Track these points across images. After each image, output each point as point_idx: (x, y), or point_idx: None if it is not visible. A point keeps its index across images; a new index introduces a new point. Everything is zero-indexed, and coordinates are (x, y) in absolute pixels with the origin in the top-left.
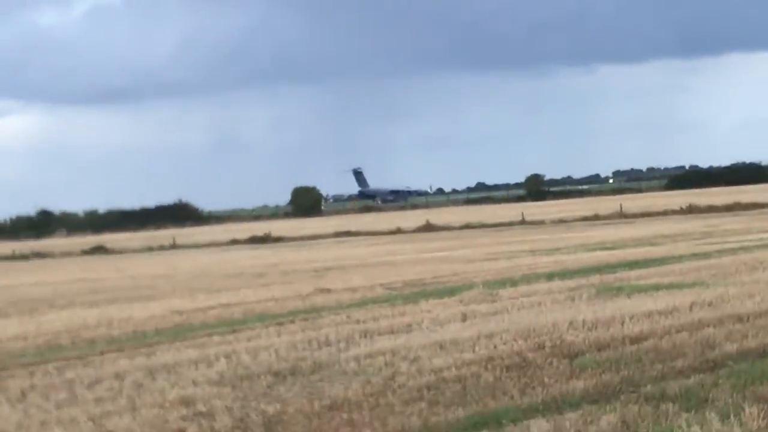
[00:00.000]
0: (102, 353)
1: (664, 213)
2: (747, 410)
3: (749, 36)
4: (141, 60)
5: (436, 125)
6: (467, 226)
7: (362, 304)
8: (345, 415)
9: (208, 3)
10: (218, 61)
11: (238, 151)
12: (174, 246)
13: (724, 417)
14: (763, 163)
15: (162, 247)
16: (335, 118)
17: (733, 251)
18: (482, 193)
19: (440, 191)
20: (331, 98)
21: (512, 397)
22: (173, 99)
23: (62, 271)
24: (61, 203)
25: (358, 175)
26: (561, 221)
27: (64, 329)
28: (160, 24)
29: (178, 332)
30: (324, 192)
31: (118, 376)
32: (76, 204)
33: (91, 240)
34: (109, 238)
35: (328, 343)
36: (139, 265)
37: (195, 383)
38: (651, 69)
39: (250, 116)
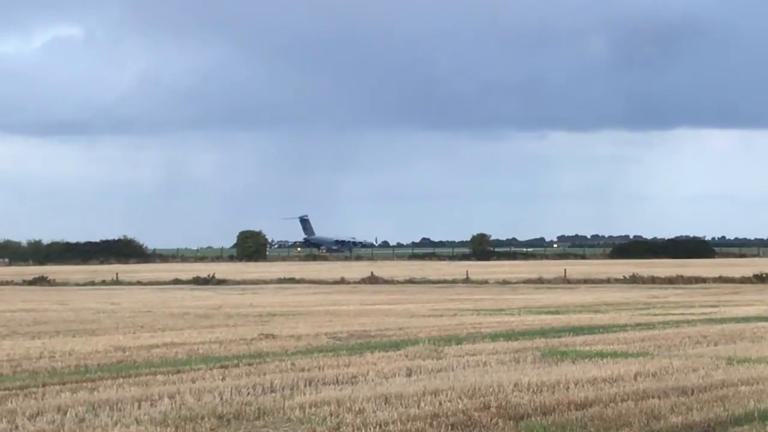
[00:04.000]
0: (44, 385)
1: (608, 281)
2: None
3: (696, 112)
4: (97, 94)
5: (385, 178)
6: (411, 281)
7: (307, 352)
8: None
9: (168, 42)
10: (173, 101)
11: (186, 191)
12: (117, 282)
13: None
14: (707, 238)
15: (104, 282)
16: (285, 165)
17: (676, 324)
18: (427, 249)
19: (385, 244)
20: (282, 144)
21: None
22: (126, 136)
23: (3, 300)
24: (4, 232)
25: (304, 222)
26: (505, 282)
27: (6, 359)
28: (119, 60)
29: (121, 369)
30: (269, 237)
31: (60, 410)
32: (20, 234)
33: (33, 270)
34: (51, 270)
35: (272, 390)
36: (81, 298)
37: (138, 422)
38: (600, 138)
39: (200, 158)
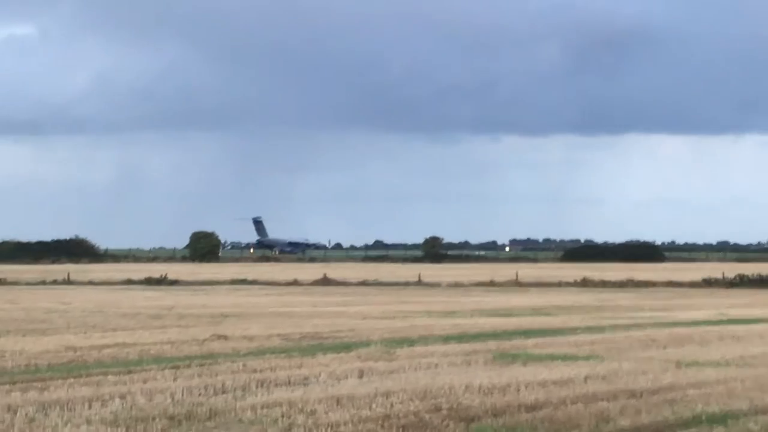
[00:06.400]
0: None
1: (559, 284)
2: None
3: (648, 117)
4: (51, 94)
5: (339, 180)
6: (364, 283)
7: (259, 353)
8: None
9: (123, 43)
10: (127, 101)
11: (139, 191)
12: (68, 281)
13: None
14: (657, 243)
15: (56, 282)
16: (239, 166)
17: (625, 327)
18: (380, 252)
19: (338, 246)
20: (235, 145)
21: None
22: (79, 135)
23: None
24: None
25: (257, 224)
26: (457, 285)
27: None
28: (73, 59)
29: (72, 369)
30: (222, 238)
31: (11, 409)
32: None
33: None
34: (2, 269)
35: (224, 391)
36: (32, 298)
37: (89, 422)
38: (552, 143)
39: (153, 158)
